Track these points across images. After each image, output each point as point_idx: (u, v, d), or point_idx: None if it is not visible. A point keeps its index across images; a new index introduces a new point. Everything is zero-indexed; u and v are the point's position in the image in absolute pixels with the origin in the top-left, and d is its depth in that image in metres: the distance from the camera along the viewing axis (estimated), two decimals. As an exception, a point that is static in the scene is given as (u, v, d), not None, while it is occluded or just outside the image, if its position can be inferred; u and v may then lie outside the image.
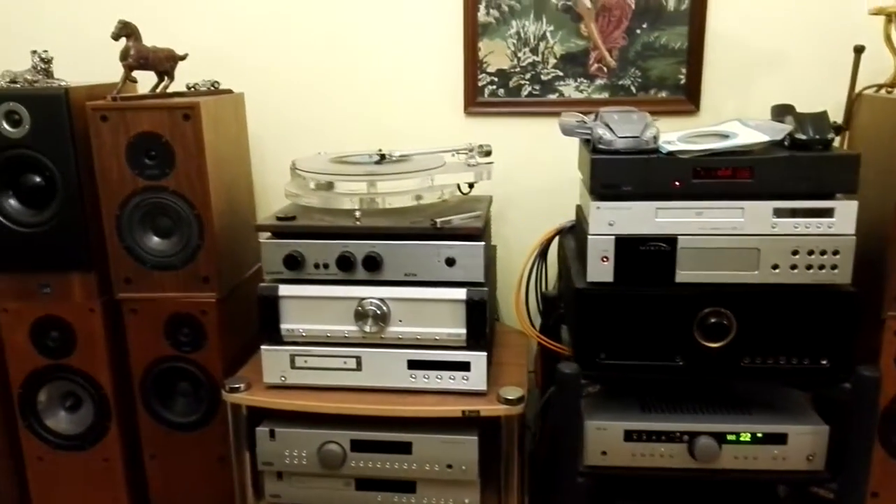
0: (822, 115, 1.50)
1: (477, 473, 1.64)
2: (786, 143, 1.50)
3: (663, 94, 1.97)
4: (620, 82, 1.97)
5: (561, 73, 1.98)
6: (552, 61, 1.98)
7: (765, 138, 1.47)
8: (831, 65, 1.89)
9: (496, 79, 2.00)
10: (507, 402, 1.59)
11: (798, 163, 1.44)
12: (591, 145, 1.52)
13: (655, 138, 1.48)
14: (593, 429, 1.57)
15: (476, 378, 1.62)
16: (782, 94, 1.90)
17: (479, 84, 2.01)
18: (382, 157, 1.70)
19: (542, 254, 1.92)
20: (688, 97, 1.96)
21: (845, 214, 1.44)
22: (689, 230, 1.47)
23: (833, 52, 1.89)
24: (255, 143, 2.05)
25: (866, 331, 1.66)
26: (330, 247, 1.59)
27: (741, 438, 1.55)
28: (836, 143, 1.56)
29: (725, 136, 1.52)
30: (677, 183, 1.46)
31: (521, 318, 1.92)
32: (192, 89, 1.80)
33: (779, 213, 1.45)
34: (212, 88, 1.81)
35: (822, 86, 1.91)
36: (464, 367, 1.61)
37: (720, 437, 1.55)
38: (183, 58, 1.79)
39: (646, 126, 1.48)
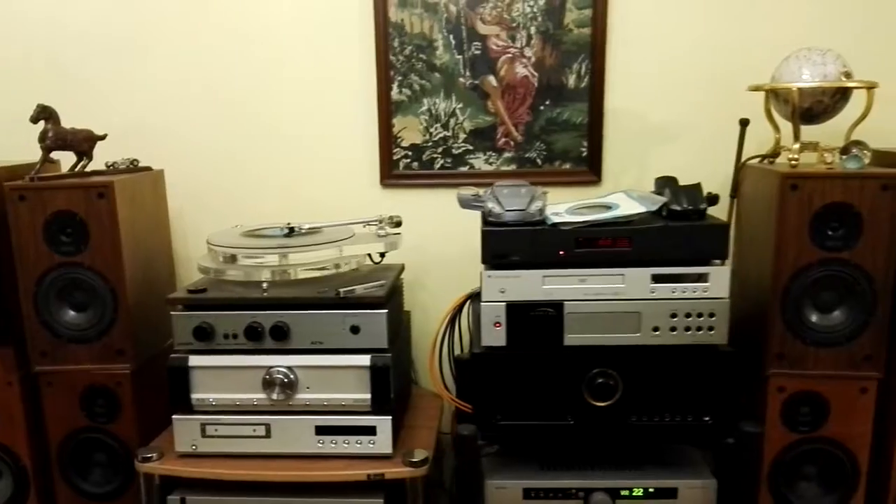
0: (696, 187, 1.62)
1: (383, 536, 1.68)
2: (663, 214, 1.61)
3: (567, 166, 2.09)
4: (527, 155, 2.09)
5: (471, 147, 2.10)
6: (462, 136, 2.09)
7: (642, 209, 1.58)
8: (724, 137, 2.01)
9: (410, 153, 2.11)
10: (412, 464, 1.64)
11: (671, 232, 1.55)
12: (483, 218, 1.62)
13: (541, 210, 1.58)
14: (493, 488, 1.63)
15: (382, 442, 1.67)
16: (679, 164, 2.03)
17: (395, 158, 2.11)
18: (291, 230, 1.78)
19: (454, 319, 1.99)
20: (590, 168, 2.08)
21: (718, 279, 1.55)
22: (574, 296, 1.56)
23: (726, 124, 2.01)
24: (177, 217, 2.13)
25: (753, 387, 1.76)
26: (239, 317, 1.65)
27: (634, 493, 1.62)
28: (712, 211, 1.67)
29: (609, 208, 1.63)
30: (562, 252, 1.55)
31: (436, 381, 1.99)
32: (111, 167, 1.87)
33: (656, 278, 1.55)
34: (131, 166, 1.89)
35: (717, 156, 2.03)
36: (370, 431, 1.67)
37: (614, 493, 1.62)
38: (102, 138, 1.87)
39: (532, 199, 1.59)
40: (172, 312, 1.67)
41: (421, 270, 2.17)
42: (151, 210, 1.92)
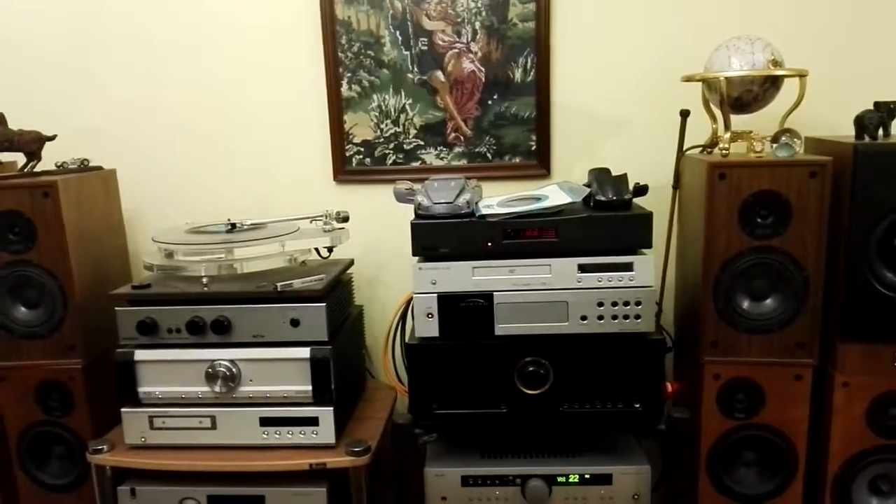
0: (622, 178, 1.64)
1: (328, 524, 1.72)
2: (591, 204, 1.63)
3: (517, 160, 2.11)
4: (477, 150, 2.12)
5: (422, 143, 2.13)
6: (413, 132, 2.12)
7: (568, 200, 1.61)
8: (671, 128, 2.01)
9: (362, 149, 2.14)
10: (354, 453, 1.68)
11: (596, 222, 1.57)
12: (415, 211, 1.65)
13: (469, 203, 1.61)
14: (432, 476, 1.67)
15: (325, 432, 1.71)
16: (626, 156, 2.06)
17: (347, 154, 2.15)
18: (233, 226, 1.82)
19: (405, 313, 2.03)
20: (539, 162, 2.10)
21: (643, 268, 1.57)
22: (503, 286, 1.59)
23: (672, 115, 2.02)
24: (135, 216, 2.17)
25: (691, 375, 1.78)
26: (181, 312, 1.70)
27: (570, 480, 1.65)
28: (647, 201, 1.70)
29: (539, 199, 1.65)
30: (489, 244, 1.58)
31: (389, 374, 2.03)
32: (61, 167, 1.92)
33: (583, 268, 1.58)
34: (81, 166, 1.94)
35: (663, 147, 2.04)
36: (312, 422, 1.71)
37: (550, 480, 1.65)
38: (51, 138, 1.91)
39: (461, 192, 1.62)
40: (117, 308, 1.72)
41: (378, 266, 2.20)
42: (102, 209, 1.96)
